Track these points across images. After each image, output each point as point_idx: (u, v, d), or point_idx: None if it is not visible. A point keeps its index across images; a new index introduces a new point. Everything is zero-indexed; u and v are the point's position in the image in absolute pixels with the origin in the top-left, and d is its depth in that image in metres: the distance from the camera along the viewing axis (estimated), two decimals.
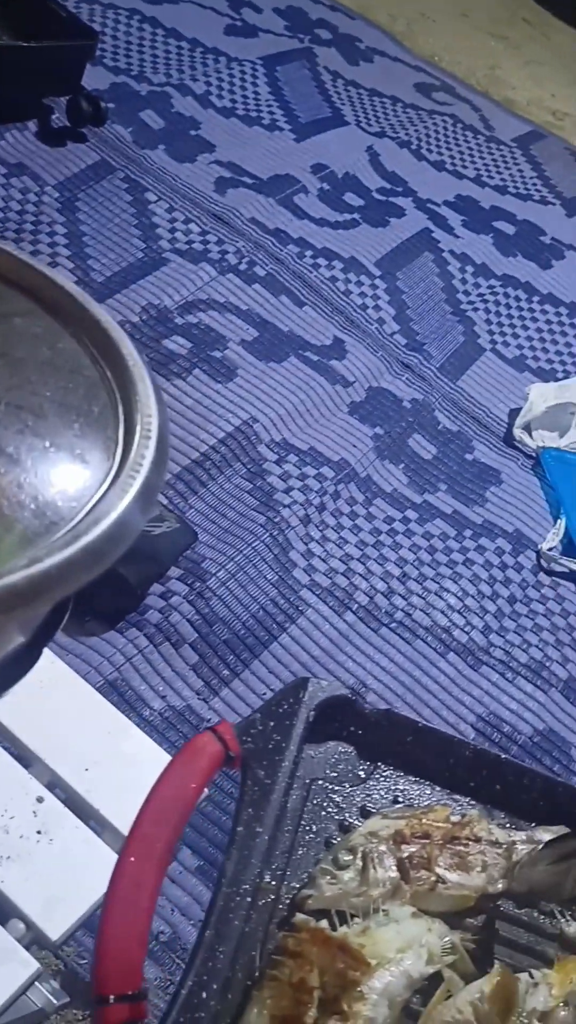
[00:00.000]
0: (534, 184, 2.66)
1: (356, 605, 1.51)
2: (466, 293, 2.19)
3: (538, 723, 1.48)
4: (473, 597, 1.60)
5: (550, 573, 1.69)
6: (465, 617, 1.57)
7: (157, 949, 1.10)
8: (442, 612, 1.56)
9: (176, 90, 2.34)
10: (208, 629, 1.38)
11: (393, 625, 1.51)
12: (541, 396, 1.94)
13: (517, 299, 2.24)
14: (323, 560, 1.55)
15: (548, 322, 2.22)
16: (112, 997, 0.51)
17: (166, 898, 1.13)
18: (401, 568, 1.59)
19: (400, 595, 1.56)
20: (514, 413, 1.95)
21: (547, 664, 1.56)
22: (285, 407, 1.73)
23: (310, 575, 1.51)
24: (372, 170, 2.40)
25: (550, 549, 1.71)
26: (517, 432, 1.91)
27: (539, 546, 1.72)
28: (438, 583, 1.60)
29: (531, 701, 1.50)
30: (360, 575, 1.55)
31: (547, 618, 1.63)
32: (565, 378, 2.05)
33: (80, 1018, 1.04)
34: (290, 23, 2.83)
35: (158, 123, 2.22)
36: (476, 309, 2.16)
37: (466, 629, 1.55)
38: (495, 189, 2.57)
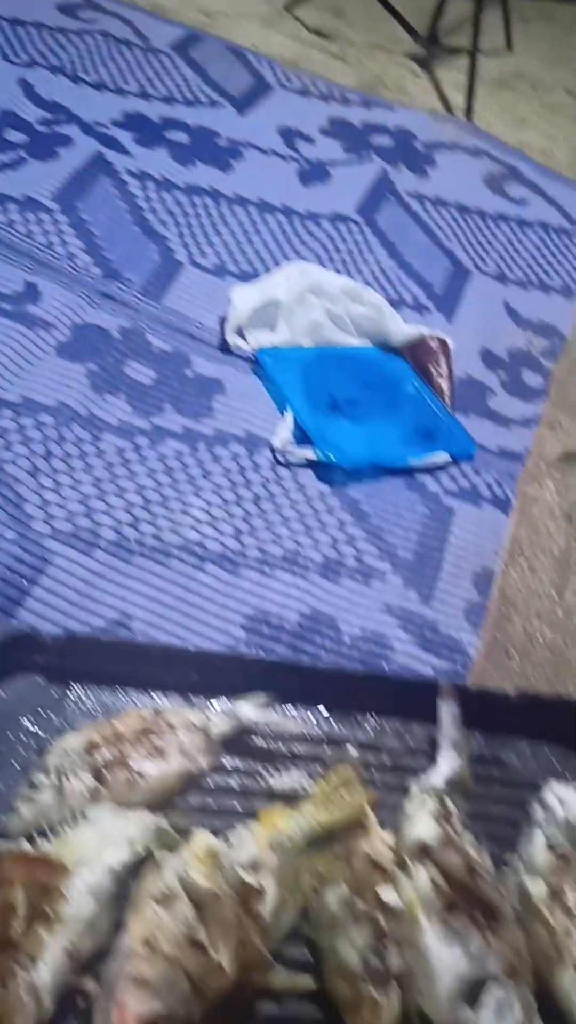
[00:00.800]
0: (199, 88, 2.64)
1: (104, 542, 1.50)
2: (153, 211, 2.17)
3: (304, 608, 1.53)
4: (219, 506, 1.63)
5: (288, 466, 1.74)
6: (215, 527, 1.60)
7: None
8: (191, 528, 1.58)
9: None
10: None
11: (145, 552, 1.52)
12: (243, 298, 1.96)
13: (205, 207, 2.24)
14: (61, 507, 1.53)
15: (239, 223, 2.24)
16: None
17: None
18: (142, 495, 1.60)
19: (146, 522, 1.56)
20: (224, 320, 1.97)
21: (301, 552, 1.61)
22: None
23: (50, 524, 1.49)
24: (28, 102, 2.31)
25: (283, 443, 1.75)
26: (230, 338, 1.93)
27: (272, 442, 1.76)
28: (182, 501, 1.61)
29: (293, 590, 1.55)
30: (102, 512, 1.55)
31: (293, 509, 1.68)
32: (265, 274, 2.08)
33: None
34: None
35: None
36: (166, 225, 2.15)
37: (218, 539, 1.58)
38: (162, 100, 2.54)
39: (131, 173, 2.22)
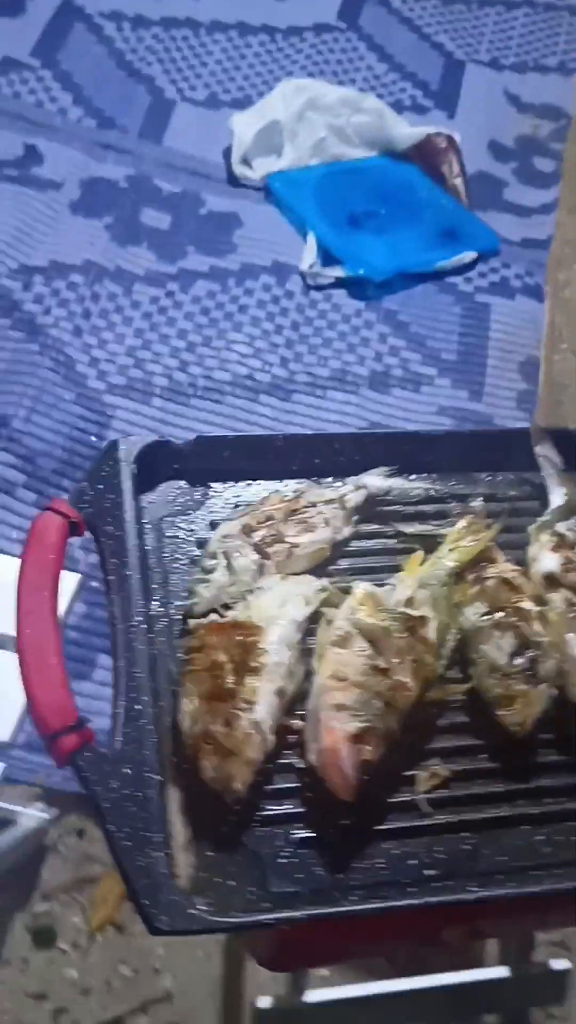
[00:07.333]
0: None
1: (159, 388, 1.53)
2: (133, 51, 2.10)
3: (359, 422, 1.57)
4: (260, 338, 1.64)
5: (319, 288, 1.75)
6: (260, 359, 1.62)
7: None
8: (238, 363, 1.60)
9: None
10: (32, 467, 1.38)
11: (200, 393, 1.55)
12: (244, 125, 1.92)
13: (185, 38, 2.16)
14: (110, 362, 1.55)
15: (223, 50, 2.16)
16: (56, 732, 0.59)
17: None
18: (184, 339, 1.61)
19: (194, 364, 1.59)
20: (228, 152, 1.93)
21: (348, 369, 1.64)
22: (6, 232, 1.66)
23: (104, 380, 1.52)
24: None
25: (310, 266, 1.75)
26: (237, 169, 1.90)
27: (299, 268, 1.76)
28: (224, 338, 1.63)
29: (346, 407, 1.59)
30: (150, 361, 1.57)
31: (332, 329, 1.69)
32: (260, 99, 2.02)
33: (77, 827, 1.13)
34: None
35: None
36: (149, 64, 2.08)
37: (266, 369, 1.61)
38: None
39: (103, 15, 2.14)
